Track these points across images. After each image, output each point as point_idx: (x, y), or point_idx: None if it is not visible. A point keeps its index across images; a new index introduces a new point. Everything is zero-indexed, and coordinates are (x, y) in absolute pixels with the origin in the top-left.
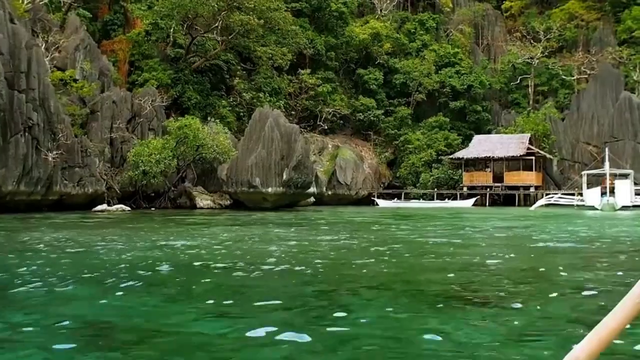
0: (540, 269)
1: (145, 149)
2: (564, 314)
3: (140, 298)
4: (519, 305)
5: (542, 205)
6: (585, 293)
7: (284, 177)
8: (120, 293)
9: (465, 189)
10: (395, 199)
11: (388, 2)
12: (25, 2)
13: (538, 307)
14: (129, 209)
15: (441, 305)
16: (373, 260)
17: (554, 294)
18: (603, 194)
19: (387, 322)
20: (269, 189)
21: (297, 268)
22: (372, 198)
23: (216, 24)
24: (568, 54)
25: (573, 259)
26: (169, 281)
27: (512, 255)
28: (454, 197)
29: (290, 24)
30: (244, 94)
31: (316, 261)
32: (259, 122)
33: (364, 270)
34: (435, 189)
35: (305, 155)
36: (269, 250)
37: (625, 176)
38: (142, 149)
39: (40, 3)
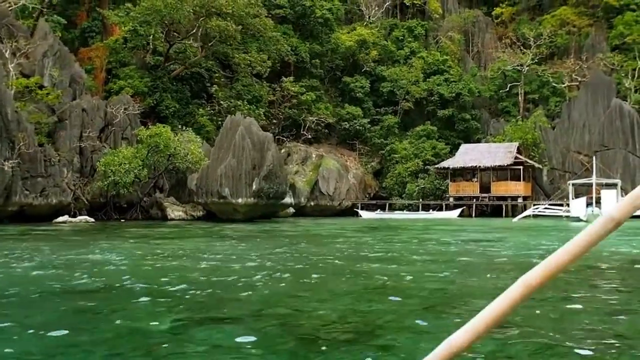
0: (464, 290)
1: (115, 158)
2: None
3: None
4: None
5: (527, 216)
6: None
7: (254, 187)
8: None
9: (451, 199)
10: (379, 210)
11: (376, 9)
12: None
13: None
14: (92, 220)
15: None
16: (279, 280)
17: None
18: (589, 204)
19: None
20: (239, 200)
21: (173, 289)
22: (355, 209)
23: (194, 31)
24: (559, 61)
25: (505, 280)
26: None
27: (443, 273)
28: (439, 208)
29: (271, 30)
30: (222, 102)
31: (212, 280)
32: (230, 130)
33: (249, 293)
34: (421, 200)
35: (278, 165)
36: (171, 266)
37: (612, 186)
38: (111, 159)
39: (9, 9)
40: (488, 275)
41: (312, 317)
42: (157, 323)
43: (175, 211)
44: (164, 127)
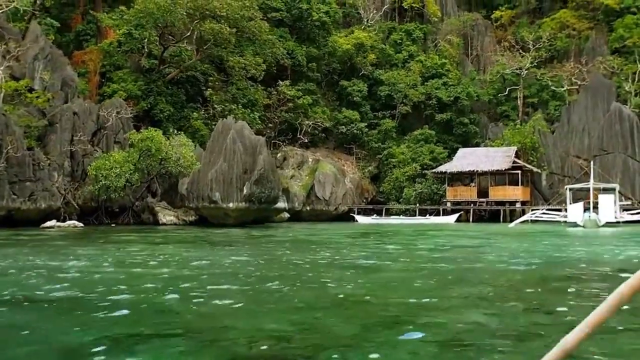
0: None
1: (106, 162)
2: None
3: None
4: None
5: (526, 221)
6: None
7: (244, 191)
8: None
9: (448, 204)
10: (375, 214)
11: (374, 12)
12: None
13: None
14: (81, 225)
15: None
16: (238, 291)
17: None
18: (587, 209)
19: None
20: (230, 204)
21: (120, 300)
22: (351, 214)
23: (188, 33)
24: (559, 64)
25: (475, 292)
26: None
27: (414, 284)
28: (436, 213)
29: (267, 34)
30: (217, 105)
31: (166, 289)
32: (221, 134)
33: (199, 306)
34: (417, 205)
35: (270, 169)
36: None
37: (610, 190)
38: (102, 163)
39: (0, 12)
40: (459, 287)
41: (257, 333)
42: (85, 339)
43: (166, 216)
44: (155, 130)
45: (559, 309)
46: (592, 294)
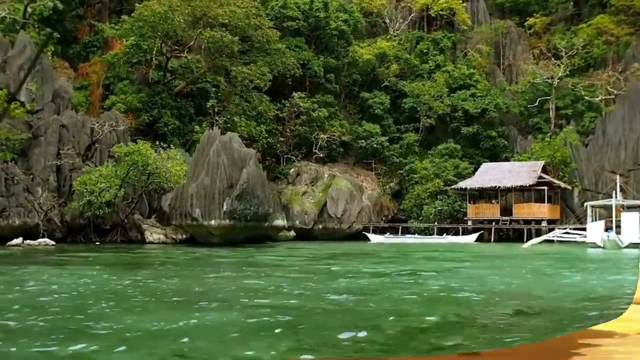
0: None
1: (92, 177)
2: None
3: None
4: None
5: (549, 241)
6: None
7: (225, 207)
8: None
9: (470, 222)
10: (388, 233)
11: (401, 21)
12: None
13: None
14: (53, 243)
15: None
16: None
17: None
18: (609, 228)
19: None
20: (212, 222)
21: None
22: (364, 233)
23: (191, 42)
24: (595, 72)
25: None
26: None
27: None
28: (455, 232)
29: (276, 43)
30: (218, 118)
31: None
32: (207, 146)
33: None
34: (436, 223)
35: (259, 184)
36: None
37: (636, 208)
38: (88, 177)
39: None
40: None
41: None
42: None
43: (154, 234)
44: (143, 143)
45: None
46: None
